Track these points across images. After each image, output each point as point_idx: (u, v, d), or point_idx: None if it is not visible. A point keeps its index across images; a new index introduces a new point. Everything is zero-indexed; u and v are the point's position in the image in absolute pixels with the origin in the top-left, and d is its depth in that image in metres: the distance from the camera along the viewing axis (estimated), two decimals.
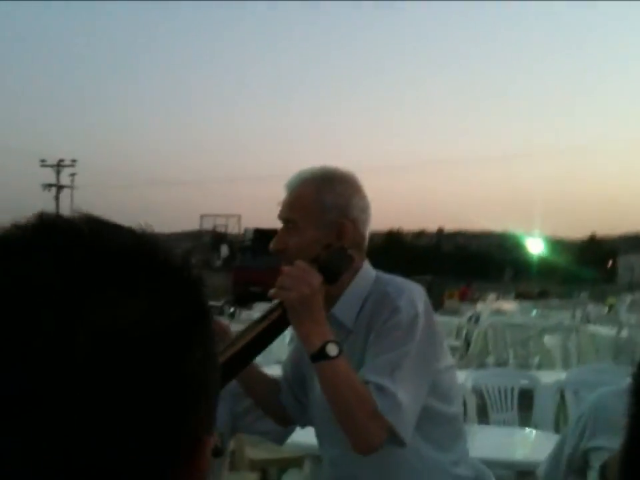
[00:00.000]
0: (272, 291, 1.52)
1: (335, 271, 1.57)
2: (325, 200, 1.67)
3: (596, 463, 2.06)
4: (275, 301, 1.56)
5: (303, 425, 1.92)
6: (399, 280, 1.73)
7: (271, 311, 1.54)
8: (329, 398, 1.52)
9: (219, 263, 53.38)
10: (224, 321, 10.25)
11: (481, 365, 9.10)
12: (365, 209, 1.73)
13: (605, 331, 9.77)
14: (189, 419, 0.49)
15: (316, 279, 1.51)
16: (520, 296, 44.28)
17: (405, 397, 1.53)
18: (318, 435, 1.83)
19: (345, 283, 1.65)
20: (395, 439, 1.53)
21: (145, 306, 0.46)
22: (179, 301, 0.49)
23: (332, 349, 1.48)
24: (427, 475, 1.70)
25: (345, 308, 1.66)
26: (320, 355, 1.48)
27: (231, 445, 3.39)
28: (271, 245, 1.70)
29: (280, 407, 1.87)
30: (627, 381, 2.86)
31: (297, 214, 1.68)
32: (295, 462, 3.55)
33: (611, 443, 2.02)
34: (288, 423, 1.92)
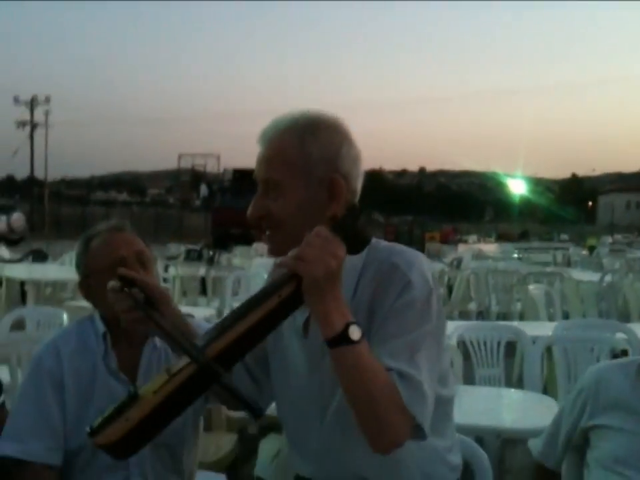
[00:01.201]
0: (287, 262, 1.26)
1: (361, 239, 1.32)
2: (311, 153, 1.41)
3: (597, 441, 1.90)
4: (281, 272, 1.28)
5: (260, 410, 1.69)
6: (401, 249, 1.47)
7: (278, 285, 1.26)
8: (348, 389, 1.29)
9: (197, 202, 52.86)
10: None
11: (463, 312, 9.04)
12: (356, 159, 1.46)
13: (588, 276, 9.72)
14: None
15: (341, 249, 1.25)
16: (501, 238, 44.64)
17: (428, 385, 1.33)
18: (289, 420, 1.60)
19: None
20: (417, 433, 1.33)
21: None
22: None
23: (355, 332, 1.24)
24: (425, 463, 1.52)
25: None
26: (342, 339, 1.24)
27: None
28: (249, 213, 1.44)
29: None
30: (616, 339, 2.68)
31: (279, 172, 1.41)
32: (275, 425, 3.38)
33: (614, 420, 1.86)
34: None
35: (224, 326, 1.23)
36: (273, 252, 1.47)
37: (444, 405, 1.52)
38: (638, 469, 1.79)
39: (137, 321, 1.47)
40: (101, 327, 1.95)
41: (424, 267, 1.42)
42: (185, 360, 1.19)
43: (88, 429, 1.18)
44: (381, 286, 1.40)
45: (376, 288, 1.40)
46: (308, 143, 1.41)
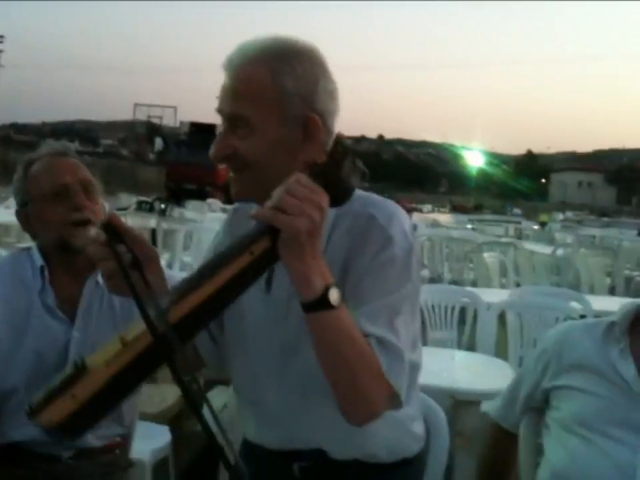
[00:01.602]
0: (263, 214, 1.07)
1: (344, 189, 1.16)
2: (286, 86, 1.24)
3: (558, 402, 1.84)
4: (253, 226, 1.10)
5: (216, 368, 1.56)
6: (378, 200, 1.34)
7: (250, 240, 1.09)
8: (325, 356, 1.17)
9: (152, 156, 52.11)
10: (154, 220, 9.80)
11: None
12: (332, 94, 1.31)
13: (540, 248, 9.83)
14: None
15: (325, 200, 1.09)
16: (455, 209, 45.32)
17: (406, 352, 1.23)
18: (244, 380, 1.47)
19: None
20: (392, 402, 1.23)
21: None
22: None
23: (335, 295, 1.11)
24: (389, 433, 1.42)
25: None
26: (321, 303, 1.10)
27: None
28: (212, 152, 1.27)
29: None
30: (572, 306, 2.63)
31: (249, 108, 1.23)
32: (221, 378, 3.29)
33: (578, 381, 1.80)
34: (197, 367, 1.55)
35: (187, 287, 1.06)
36: (239, 195, 1.32)
37: (412, 371, 1.40)
38: (599, 431, 1.74)
39: (118, 287, 1.20)
40: (39, 260, 1.81)
41: (403, 220, 1.31)
42: (139, 326, 1.00)
43: (27, 407, 0.99)
44: (357, 241, 1.28)
45: (352, 243, 1.28)
46: (282, 75, 1.24)
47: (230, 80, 1.26)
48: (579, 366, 1.81)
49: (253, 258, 1.07)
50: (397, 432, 1.45)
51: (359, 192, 1.33)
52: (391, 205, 1.33)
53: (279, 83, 1.24)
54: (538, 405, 1.92)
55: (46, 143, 1.89)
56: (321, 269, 1.11)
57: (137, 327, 1.00)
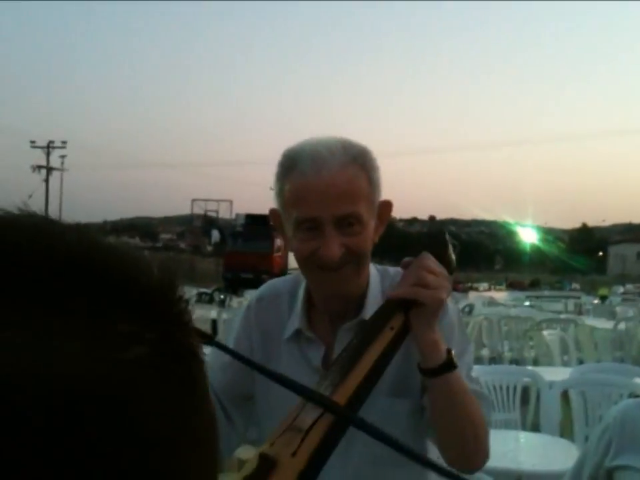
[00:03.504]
0: (407, 291, 1.22)
1: (452, 265, 1.33)
2: (376, 181, 1.36)
3: None
4: (374, 304, 1.30)
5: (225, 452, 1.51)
6: None
7: (386, 317, 1.22)
8: (452, 414, 1.28)
9: (209, 248, 53.24)
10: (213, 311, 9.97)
11: (476, 358, 8.94)
12: None
13: (601, 323, 9.63)
14: None
15: (447, 272, 1.27)
16: (511, 286, 44.56)
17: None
18: None
19: (365, 280, 1.41)
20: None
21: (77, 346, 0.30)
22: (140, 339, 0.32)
23: (454, 356, 1.25)
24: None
25: (373, 311, 1.35)
26: (448, 365, 1.24)
27: None
28: (332, 255, 1.30)
29: None
30: (636, 383, 2.63)
31: (358, 205, 1.31)
32: None
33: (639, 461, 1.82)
34: None
35: (343, 370, 1.12)
36: (343, 289, 1.38)
37: None
38: None
39: None
40: None
41: None
42: (310, 412, 1.03)
43: None
44: None
45: None
46: (371, 172, 1.36)
47: (328, 184, 1.29)
48: None
49: (394, 332, 1.21)
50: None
51: (391, 268, 1.49)
52: None
53: (372, 179, 1.36)
54: None
55: None
56: (440, 335, 1.26)
57: (309, 414, 1.03)
